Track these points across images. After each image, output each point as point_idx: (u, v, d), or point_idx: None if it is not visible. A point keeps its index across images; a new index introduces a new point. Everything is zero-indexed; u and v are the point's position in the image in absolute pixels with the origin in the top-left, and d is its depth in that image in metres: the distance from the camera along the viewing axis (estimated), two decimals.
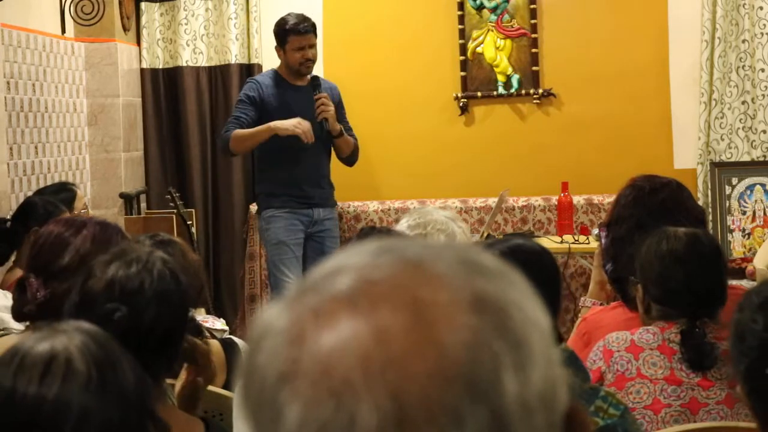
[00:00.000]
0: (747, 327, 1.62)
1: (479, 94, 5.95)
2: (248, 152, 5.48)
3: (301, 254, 5.23)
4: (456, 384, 0.66)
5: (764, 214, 5.51)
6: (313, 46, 5.24)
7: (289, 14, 5.30)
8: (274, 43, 5.45)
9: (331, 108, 5.16)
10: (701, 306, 2.47)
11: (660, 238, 2.54)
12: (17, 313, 2.44)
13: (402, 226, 3.10)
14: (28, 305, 2.40)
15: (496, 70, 5.92)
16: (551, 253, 2.41)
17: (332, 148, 5.39)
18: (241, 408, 0.72)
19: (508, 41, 5.91)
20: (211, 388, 2.42)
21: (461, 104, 5.96)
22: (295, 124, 5.02)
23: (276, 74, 5.32)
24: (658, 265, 2.51)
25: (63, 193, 4.33)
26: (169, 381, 2.10)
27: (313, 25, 5.27)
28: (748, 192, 5.52)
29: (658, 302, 2.53)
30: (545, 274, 2.23)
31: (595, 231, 4.59)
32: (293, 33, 5.18)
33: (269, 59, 6.00)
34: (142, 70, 6.08)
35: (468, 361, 0.67)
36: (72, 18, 5.49)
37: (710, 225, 5.38)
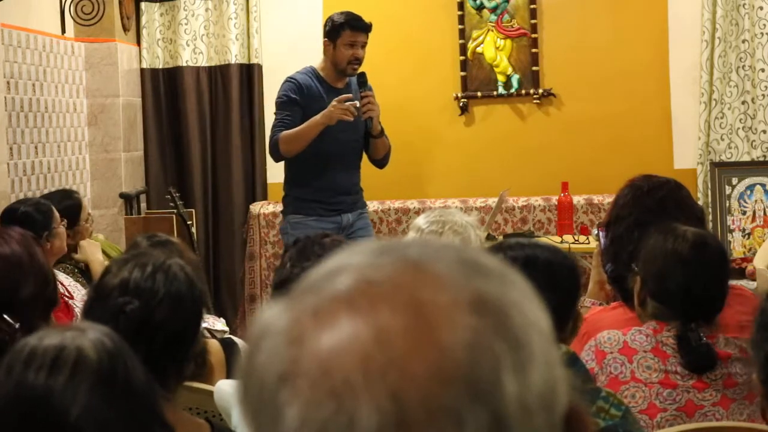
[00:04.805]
0: None
1: (479, 94, 5.95)
2: (300, 152, 4.95)
3: None
4: (456, 385, 0.66)
5: (764, 214, 5.51)
6: (364, 45, 5.01)
7: (341, 12, 5.05)
8: (274, 43, 5.44)
9: (378, 108, 4.98)
10: (697, 309, 2.43)
11: (668, 235, 2.51)
12: None
13: (420, 220, 3.12)
14: None
15: (496, 70, 5.92)
16: (573, 263, 2.26)
17: (365, 151, 5.19)
18: (240, 408, 0.72)
19: (508, 41, 5.91)
20: (211, 388, 2.41)
21: (461, 104, 5.96)
22: (334, 113, 4.77)
23: (316, 74, 5.05)
24: (661, 262, 2.47)
25: (67, 201, 4.23)
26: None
27: (370, 26, 5.00)
28: (748, 192, 5.52)
29: (654, 298, 2.50)
30: (560, 287, 2.11)
31: (595, 231, 4.59)
32: (348, 27, 4.94)
33: (269, 59, 6.01)
34: (142, 70, 6.08)
35: (468, 362, 0.67)
36: (72, 18, 5.49)
37: (710, 225, 5.38)
